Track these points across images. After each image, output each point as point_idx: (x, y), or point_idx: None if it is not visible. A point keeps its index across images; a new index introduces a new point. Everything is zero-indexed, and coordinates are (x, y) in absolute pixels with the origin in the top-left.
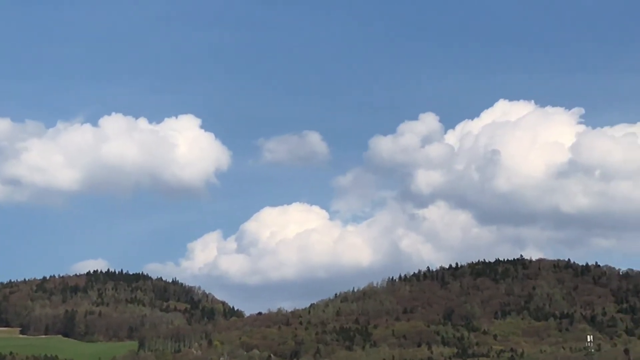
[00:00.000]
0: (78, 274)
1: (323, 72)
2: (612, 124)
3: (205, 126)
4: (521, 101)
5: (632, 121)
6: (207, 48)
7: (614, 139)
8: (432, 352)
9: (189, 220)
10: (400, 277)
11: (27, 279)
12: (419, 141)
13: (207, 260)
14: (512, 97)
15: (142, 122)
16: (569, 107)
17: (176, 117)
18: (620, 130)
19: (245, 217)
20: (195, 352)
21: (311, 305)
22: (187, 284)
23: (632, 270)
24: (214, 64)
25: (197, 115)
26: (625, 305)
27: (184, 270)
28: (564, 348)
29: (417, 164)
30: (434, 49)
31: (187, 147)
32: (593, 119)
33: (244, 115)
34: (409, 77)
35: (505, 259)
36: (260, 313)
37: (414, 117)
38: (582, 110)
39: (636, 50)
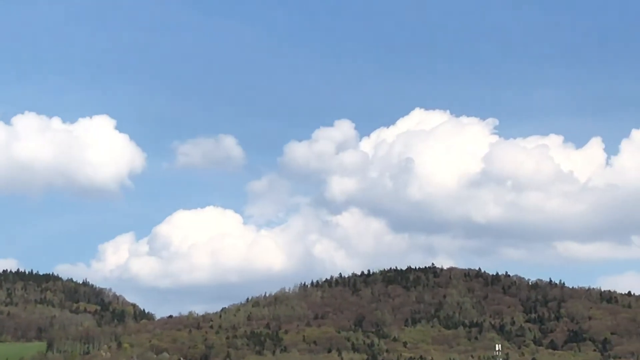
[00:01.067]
0: None
1: (239, 76)
2: (524, 135)
3: (120, 127)
4: (437, 110)
5: (544, 133)
6: (124, 49)
7: (526, 150)
8: (342, 358)
9: (101, 222)
10: (312, 282)
11: None
12: (333, 148)
13: (118, 262)
14: (428, 106)
15: (56, 122)
16: (483, 117)
17: (91, 118)
18: (532, 141)
19: (158, 219)
20: (104, 354)
21: (222, 309)
22: (97, 286)
23: (541, 280)
24: (131, 65)
25: (112, 116)
26: (533, 315)
27: (95, 271)
28: (472, 357)
29: (331, 170)
30: (351, 55)
31: (101, 148)
32: (506, 130)
33: (159, 117)
34: (325, 83)
35: (417, 267)
36: (171, 316)
37: (330, 124)
38: (497, 121)
39: (549, 66)
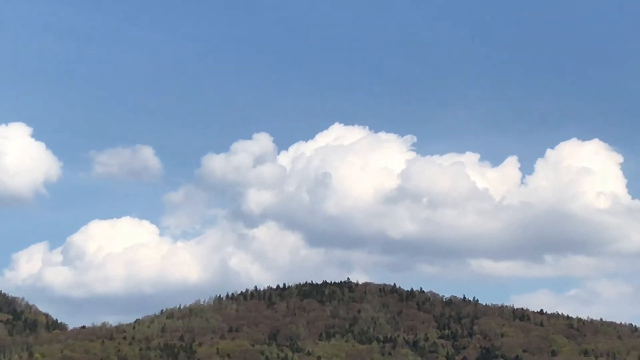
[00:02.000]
0: None
1: (158, 86)
2: (441, 152)
3: (36, 135)
4: (356, 126)
5: (461, 151)
6: (42, 56)
7: (442, 168)
8: None
9: (15, 230)
10: (227, 295)
11: None
12: (251, 161)
13: (31, 272)
14: (348, 121)
15: None
16: (402, 134)
17: (6, 125)
18: (449, 159)
19: (73, 229)
20: None
21: (136, 320)
22: (10, 295)
23: (455, 297)
24: (48, 73)
25: (28, 123)
26: (447, 332)
27: (8, 280)
28: None
29: (248, 183)
30: (271, 69)
31: (16, 155)
32: (424, 147)
33: (76, 126)
34: (245, 96)
35: (332, 282)
36: (84, 327)
37: (248, 137)
38: (415, 138)
39: (467, 84)
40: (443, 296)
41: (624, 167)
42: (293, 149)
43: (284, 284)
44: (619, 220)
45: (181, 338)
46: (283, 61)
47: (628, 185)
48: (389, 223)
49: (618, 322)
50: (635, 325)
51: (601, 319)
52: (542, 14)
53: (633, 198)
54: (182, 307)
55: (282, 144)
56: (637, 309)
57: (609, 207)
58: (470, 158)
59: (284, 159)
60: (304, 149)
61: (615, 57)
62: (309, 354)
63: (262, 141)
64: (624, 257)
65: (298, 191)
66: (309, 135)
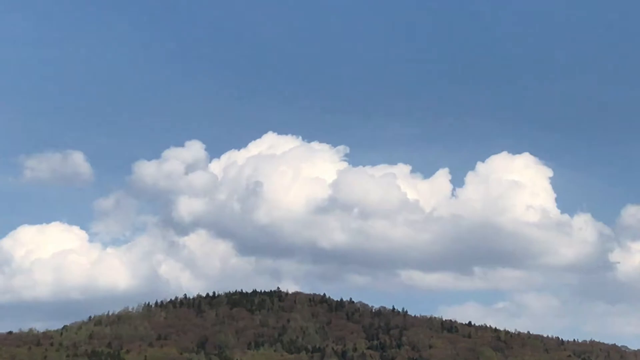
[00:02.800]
0: None
1: (89, 91)
2: (373, 163)
3: None
4: (289, 135)
5: (393, 162)
6: None
7: (374, 179)
8: None
9: None
10: (156, 303)
11: None
12: (183, 168)
13: None
14: (281, 130)
15: None
16: (334, 144)
17: None
18: (380, 170)
19: (1, 234)
20: None
21: (64, 326)
22: None
23: (384, 307)
24: None
25: None
26: (375, 342)
27: None
28: None
29: (180, 191)
30: (205, 76)
31: None
32: (356, 157)
33: (5, 130)
34: (177, 102)
35: (262, 291)
36: (10, 332)
37: (180, 144)
38: (347, 149)
39: (399, 96)
40: (372, 307)
41: (554, 181)
42: (225, 157)
43: (214, 293)
44: (547, 234)
45: (109, 345)
46: (217, 69)
47: (557, 200)
48: (320, 233)
49: (545, 335)
50: (562, 339)
51: (528, 332)
52: (474, 29)
53: (562, 212)
54: (110, 313)
55: (215, 152)
56: (563, 323)
57: (538, 221)
58: (402, 169)
59: (216, 167)
60: (236, 158)
61: (546, 71)
62: None
63: (194, 149)
64: (551, 270)
65: (229, 200)
66: (241, 144)
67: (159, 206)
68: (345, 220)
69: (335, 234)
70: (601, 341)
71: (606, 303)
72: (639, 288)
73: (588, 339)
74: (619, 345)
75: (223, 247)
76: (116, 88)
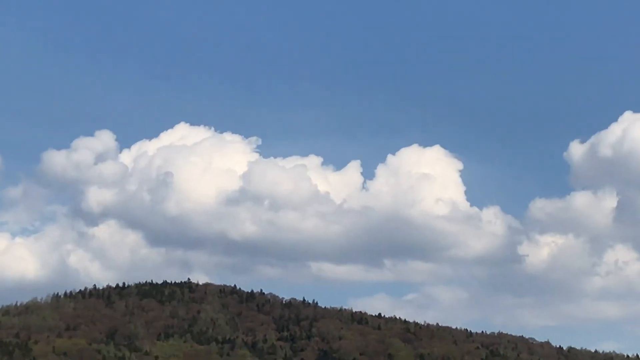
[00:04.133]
0: None
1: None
2: (285, 155)
3: None
4: (201, 126)
5: (304, 154)
6: None
7: (285, 170)
8: None
9: None
10: (65, 293)
11: None
12: (93, 158)
13: None
14: (193, 121)
15: None
16: (246, 135)
17: None
18: (291, 161)
19: None
20: None
21: None
22: None
23: (294, 299)
24: None
25: None
26: (286, 334)
27: None
28: None
29: (89, 181)
30: (116, 65)
31: None
32: (268, 149)
33: None
34: (88, 91)
35: (173, 282)
36: None
37: (90, 134)
38: (259, 140)
39: (312, 87)
40: (283, 298)
41: (464, 174)
42: (136, 147)
43: (124, 283)
44: (457, 227)
45: (17, 335)
46: (129, 58)
47: (467, 192)
48: (230, 224)
49: (454, 327)
50: (470, 331)
51: (437, 324)
52: (388, 23)
53: (471, 205)
54: (18, 304)
55: (125, 142)
56: (472, 315)
57: (448, 214)
58: (313, 161)
59: (126, 157)
60: (147, 148)
61: (458, 66)
62: (146, 353)
63: (104, 138)
64: (460, 263)
65: (139, 190)
66: (153, 134)
67: (68, 196)
68: (255, 211)
69: (246, 225)
70: (509, 333)
71: (514, 296)
72: (546, 281)
73: (496, 331)
74: (527, 337)
75: (133, 238)
76: (25, 76)
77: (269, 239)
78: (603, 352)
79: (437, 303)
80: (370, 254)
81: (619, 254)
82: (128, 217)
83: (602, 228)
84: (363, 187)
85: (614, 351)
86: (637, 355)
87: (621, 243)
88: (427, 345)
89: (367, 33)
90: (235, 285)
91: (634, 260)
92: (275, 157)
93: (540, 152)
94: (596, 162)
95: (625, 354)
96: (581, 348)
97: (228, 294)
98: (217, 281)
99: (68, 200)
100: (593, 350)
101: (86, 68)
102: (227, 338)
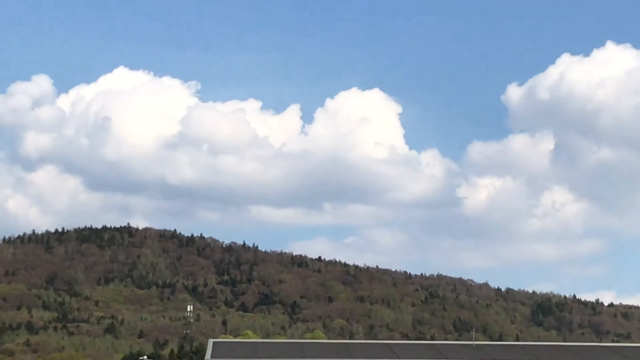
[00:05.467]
0: None
1: None
2: (224, 99)
3: None
4: (140, 70)
5: (243, 98)
6: None
7: (224, 114)
8: (32, 316)
9: None
10: (4, 239)
11: None
12: (30, 103)
13: None
14: (133, 65)
15: None
16: (186, 80)
17: None
18: (231, 105)
19: None
20: None
21: None
22: None
23: (235, 243)
24: None
25: None
26: (226, 277)
27: None
28: (164, 317)
29: (26, 126)
30: (54, 7)
31: None
32: (207, 93)
33: None
34: (23, 35)
35: (112, 226)
36: None
37: (27, 78)
38: (199, 85)
39: (249, 32)
40: (223, 242)
41: (403, 118)
42: (73, 91)
43: (63, 228)
44: (395, 170)
45: None
46: (66, 0)
47: (405, 136)
48: (170, 169)
49: (393, 269)
50: (410, 273)
51: (377, 267)
52: None
53: (410, 148)
54: None
55: (63, 87)
56: (411, 257)
57: (387, 157)
58: (253, 105)
59: (64, 101)
60: (85, 92)
61: (395, 5)
62: (86, 298)
63: (41, 83)
64: (400, 206)
65: (77, 135)
66: (91, 78)
67: (5, 142)
68: (194, 156)
69: (185, 170)
70: (448, 275)
71: (453, 238)
72: (484, 223)
73: (435, 273)
74: (465, 279)
75: (72, 183)
76: None
77: (208, 184)
78: (540, 292)
79: (377, 246)
80: (310, 197)
81: (556, 195)
82: (66, 162)
83: (540, 170)
84: (302, 131)
85: (551, 292)
86: (574, 296)
87: (558, 185)
88: (366, 287)
89: None
90: (175, 230)
91: (571, 202)
92: (214, 102)
93: (478, 95)
94: (534, 105)
95: (562, 295)
96: (519, 289)
97: (168, 239)
98: (157, 226)
99: (5, 145)
100: (531, 291)
101: (22, 11)
102: (168, 282)
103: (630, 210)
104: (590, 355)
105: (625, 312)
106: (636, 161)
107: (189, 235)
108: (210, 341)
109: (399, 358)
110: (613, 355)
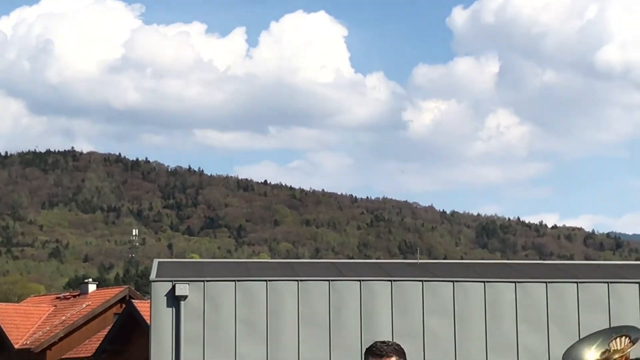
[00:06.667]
0: None
1: None
2: (168, 22)
3: None
4: None
5: (188, 21)
6: None
7: (167, 37)
8: None
9: None
10: None
11: None
12: None
13: None
14: None
15: None
16: (130, 2)
17: None
18: (174, 28)
19: None
20: None
21: None
22: None
23: (180, 167)
24: None
25: None
26: (171, 201)
27: None
28: (109, 241)
29: None
30: None
31: None
32: (151, 15)
33: None
34: None
35: (56, 150)
36: None
37: None
38: (143, 7)
39: None
40: (168, 166)
41: (348, 40)
42: (15, 14)
43: (6, 152)
44: (341, 94)
45: None
46: None
47: (351, 59)
48: (113, 92)
49: (339, 193)
50: (355, 196)
51: (323, 190)
52: None
53: (355, 72)
54: None
55: (4, 9)
56: (357, 181)
57: (332, 81)
58: (197, 28)
59: (5, 24)
60: (27, 15)
61: None
62: (31, 222)
63: None
64: (345, 130)
65: (19, 58)
66: (33, 0)
67: None
68: (138, 79)
69: (129, 93)
70: (393, 198)
71: (399, 161)
72: (429, 147)
73: (381, 197)
74: (411, 202)
75: (14, 107)
76: None
77: (152, 107)
78: (485, 215)
79: (322, 169)
80: (255, 121)
81: (501, 118)
82: (9, 86)
83: (484, 93)
84: (247, 55)
85: (495, 214)
86: (518, 218)
87: (503, 108)
88: (312, 211)
89: None
90: (119, 154)
91: (515, 125)
92: (158, 24)
93: (423, 18)
94: (479, 28)
95: (507, 217)
96: (464, 212)
97: (113, 162)
98: (102, 150)
99: None
100: (475, 214)
101: None
102: (113, 206)
103: (574, 133)
104: (531, 271)
105: (569, 234)
106: (580, 84)
107: (134, 159)
108: (156, 261)
109: (344, 276)
110: (554, 271)
